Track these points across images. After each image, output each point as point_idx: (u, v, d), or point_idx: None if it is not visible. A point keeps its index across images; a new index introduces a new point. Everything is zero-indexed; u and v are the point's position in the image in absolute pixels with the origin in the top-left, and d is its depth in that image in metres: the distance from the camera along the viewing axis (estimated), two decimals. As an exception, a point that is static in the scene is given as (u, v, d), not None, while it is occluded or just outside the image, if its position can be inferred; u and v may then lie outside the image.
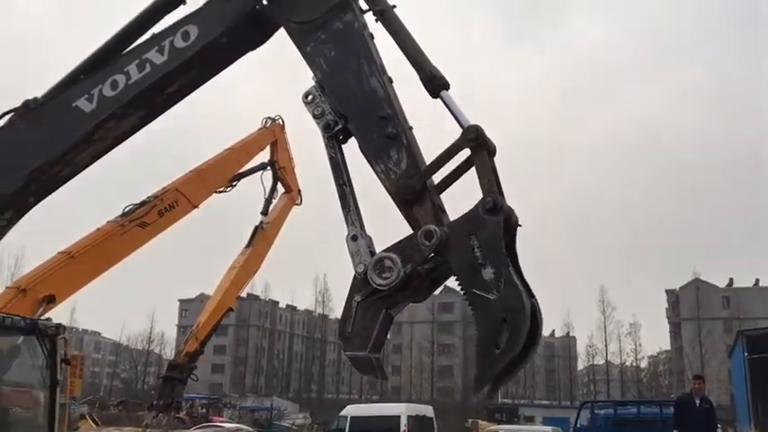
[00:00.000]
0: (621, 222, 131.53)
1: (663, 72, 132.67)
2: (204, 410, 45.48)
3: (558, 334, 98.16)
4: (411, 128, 4.87)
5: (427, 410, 26.62)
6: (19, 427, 8.34)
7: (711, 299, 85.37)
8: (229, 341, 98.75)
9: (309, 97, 5.10)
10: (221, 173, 14.54)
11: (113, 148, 5.96)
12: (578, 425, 12.56)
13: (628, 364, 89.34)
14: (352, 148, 5.05)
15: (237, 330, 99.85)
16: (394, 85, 5.04)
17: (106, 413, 41.94)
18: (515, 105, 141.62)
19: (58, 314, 9.60)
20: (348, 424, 25.44)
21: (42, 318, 9.03)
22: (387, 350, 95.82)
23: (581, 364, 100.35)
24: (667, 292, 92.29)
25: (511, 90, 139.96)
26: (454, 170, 4.65)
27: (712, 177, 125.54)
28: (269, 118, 16.20)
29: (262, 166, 16.49)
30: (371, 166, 4.77)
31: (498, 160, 4.56)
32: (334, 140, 5.01)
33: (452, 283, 4.54)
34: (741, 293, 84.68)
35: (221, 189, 14.79)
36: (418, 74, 4.81)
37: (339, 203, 4.88)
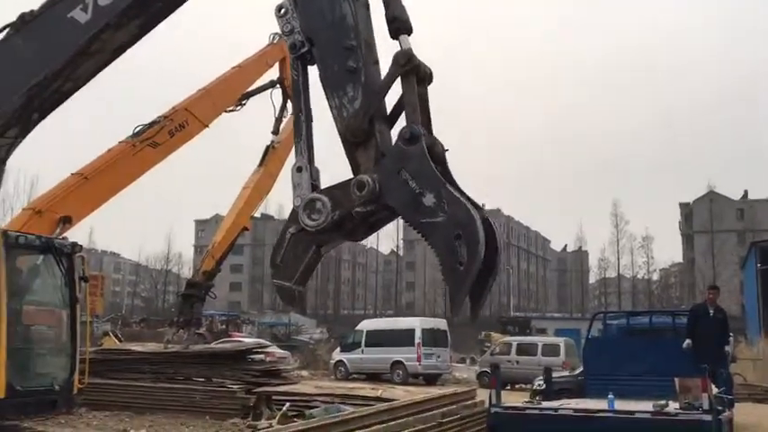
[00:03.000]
0: (636, 135, 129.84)
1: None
2: (224, 326, 46.75)
3: (570, 248, 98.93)
4: (376, 62, 4.55)
5: (441, 324, 27.20)
6: (44, 344, 8.58)
7: (725, 211, 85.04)
8: (246, 260, 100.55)
9: (282, 11, 4.74)
10: (230, 91, 14.36)
11: (114, 60, 5.78)
12: (590, 335, 12.66)
13: (640, 276, 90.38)
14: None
15: (254, 250, 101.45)
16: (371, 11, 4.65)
17: (128, 330, 43.13)
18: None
19: (75, 236, 9.68)
20: (364, 337, 26.13)
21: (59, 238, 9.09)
22: (401, 267, 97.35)
23: (593, 278, 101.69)
24: (681, 205, 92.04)
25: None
26: (399, 100, 4.44)
27: (729, 90, 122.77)
28: (277, 34, 15.74)
29: (271, 84, 16.23)
30: (327, 99, 4.50)
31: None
32: (299, 62, 4.70)
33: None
34: (755, 206, 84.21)
35: (231, 108, 14.65)
36: (385, 12, 4.48)
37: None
